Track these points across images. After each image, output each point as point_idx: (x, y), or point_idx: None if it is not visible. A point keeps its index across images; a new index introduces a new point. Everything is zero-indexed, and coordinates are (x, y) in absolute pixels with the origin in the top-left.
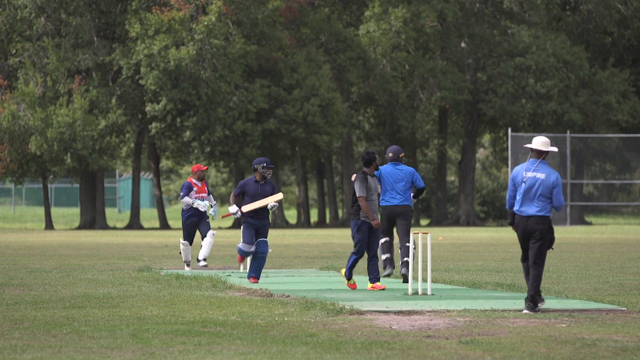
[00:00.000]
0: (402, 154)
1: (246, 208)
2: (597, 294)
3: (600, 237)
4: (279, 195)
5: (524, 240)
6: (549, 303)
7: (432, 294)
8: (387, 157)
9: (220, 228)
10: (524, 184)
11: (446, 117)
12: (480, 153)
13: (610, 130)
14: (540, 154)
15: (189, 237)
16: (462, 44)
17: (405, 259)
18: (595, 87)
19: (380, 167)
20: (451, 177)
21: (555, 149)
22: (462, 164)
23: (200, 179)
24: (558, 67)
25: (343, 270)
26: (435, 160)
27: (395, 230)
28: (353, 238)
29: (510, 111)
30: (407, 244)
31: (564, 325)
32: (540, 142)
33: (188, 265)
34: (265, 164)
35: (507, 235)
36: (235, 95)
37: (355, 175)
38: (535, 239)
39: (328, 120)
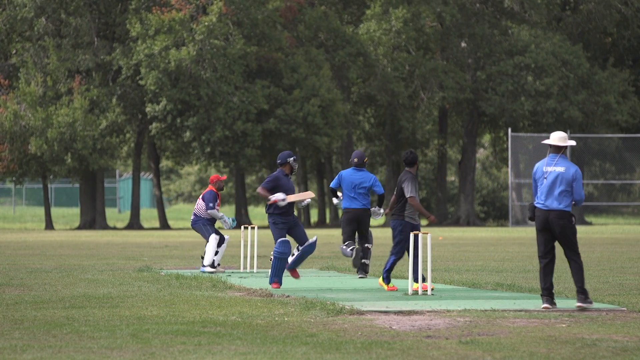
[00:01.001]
0: (366, 159)
1: (291, 198)
2: (597, 294)
3: (600, 237)
4: (311, 194)
5: (542, 233)
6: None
7: (432, 294)
8: (351, 161)
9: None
10: (545, 179)
11: (446, 117)
12: (480, 153)
13: (610, 130)
14: (559, 149)
15: (216, 232)
16: (463, 44)
17: (364, 260)
18: (594, 87)
19: (341, 172)
20: (451, 177)
21: (573, 143)
22: (462, 164)
23: (220, 189)
24: (557, 65)
25: (380, 279)
26: (435, 160)
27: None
28: (394, 238)
29: (510, 109)
30: (367, 245)
31: (564, 325)
32: (557, 137)
33: (214, 267)
34: (294, 158)
35: (507, 235)
36: (236, 96)
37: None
38: (560, 235)
39: (328, 121)
